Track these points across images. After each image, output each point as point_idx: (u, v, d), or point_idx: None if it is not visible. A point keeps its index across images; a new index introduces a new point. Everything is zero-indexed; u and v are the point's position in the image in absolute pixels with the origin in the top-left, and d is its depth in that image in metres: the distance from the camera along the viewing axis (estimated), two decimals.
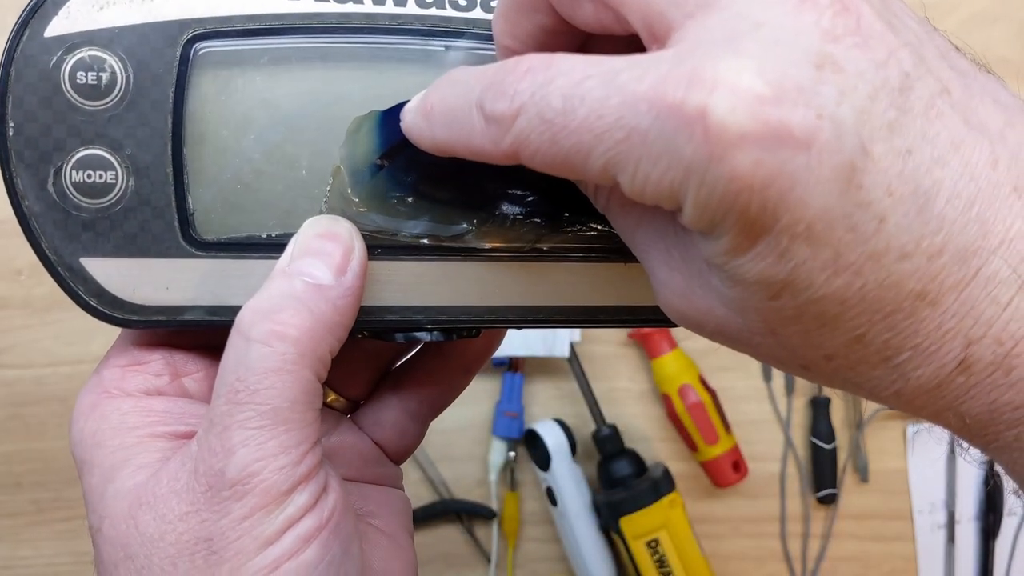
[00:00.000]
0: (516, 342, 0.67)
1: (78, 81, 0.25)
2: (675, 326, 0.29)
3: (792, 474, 0.72)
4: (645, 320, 0.29)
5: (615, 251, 0.28)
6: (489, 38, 0.26)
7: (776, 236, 0.19)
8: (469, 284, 0.28)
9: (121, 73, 0.26)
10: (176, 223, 0.26)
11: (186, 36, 0.26)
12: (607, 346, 0.72)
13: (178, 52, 0.26)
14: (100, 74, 0.25)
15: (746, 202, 0.18)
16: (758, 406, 0.72)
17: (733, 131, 0.18)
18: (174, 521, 0.24)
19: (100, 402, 0.27)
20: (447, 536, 0.71)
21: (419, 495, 0.70)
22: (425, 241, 0.27)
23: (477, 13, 0.27)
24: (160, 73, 0.26)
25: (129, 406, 0.27)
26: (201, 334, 0.28)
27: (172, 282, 0.26)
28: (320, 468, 0.25)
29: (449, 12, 0.27)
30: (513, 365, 0.70)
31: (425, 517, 0.69)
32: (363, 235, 0.27)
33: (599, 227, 0.28)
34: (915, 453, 0.73)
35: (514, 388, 0.69)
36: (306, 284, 0.25)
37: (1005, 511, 0.72)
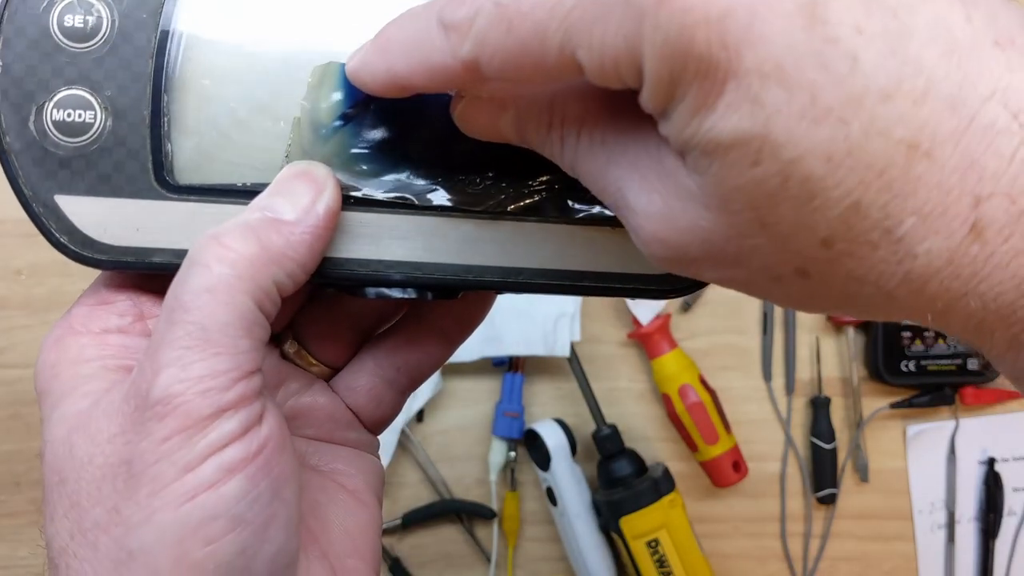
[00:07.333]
0: (516, 342, 0.67)
1: (65, 24, 0.26)
2: (664, 296, 0.29)
3: (792, 474, 0.72)
4: (633, 289, 0.29)
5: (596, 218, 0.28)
6: None
7: (744, 78, 0.18)
8: (445, 241, 0.28)
9: (107, 17, 0.26)
10: (150, 165, 0.27)
11: None
12: (607, 346, 0.72)
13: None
14: (87, 17, 0.26)
15: (704, 38, 0.18)
16: (758, 406, 0.72)
17: None
18: (102, 444, 0.24)
19: (64, 337, 0.27)
20: (447, 536, 0.71)
21: (419, 495, 0.70)
22: (386, 197, 0.27)
23: None
24: (144, 19, 0.27)
25: (88, 340, 0.27)
26: (170, 280, 0.28)
27: (143, 224, 0.27)
28: (255, 400, 0.24)
29: None
30: (513, 365, 0.70)
31: (425, 517, 0.69)
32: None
33: (572, 199, 0.28)
34: (915, 453, 0.73)
35: (514, 388, 0.69)
36: (263, 216, 0.25)
37: (1005, 511, 0.72)
